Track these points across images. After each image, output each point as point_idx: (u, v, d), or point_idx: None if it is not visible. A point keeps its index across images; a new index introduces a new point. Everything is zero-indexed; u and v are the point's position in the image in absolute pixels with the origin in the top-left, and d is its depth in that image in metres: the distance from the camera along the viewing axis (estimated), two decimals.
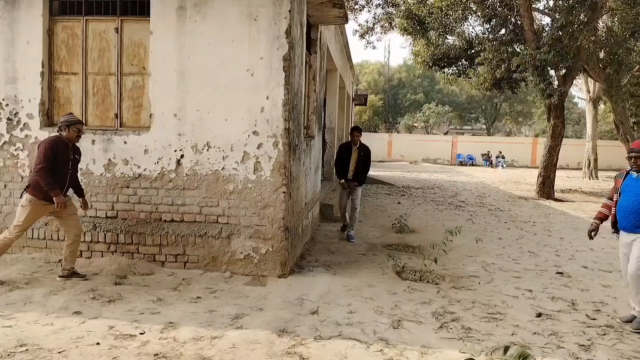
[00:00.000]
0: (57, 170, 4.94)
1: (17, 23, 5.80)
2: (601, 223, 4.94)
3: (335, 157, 8.19)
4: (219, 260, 5.64)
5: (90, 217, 5.77)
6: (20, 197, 5.08)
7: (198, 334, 3.93)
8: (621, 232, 4.62)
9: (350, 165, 7.85)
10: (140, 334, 3.90)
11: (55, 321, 4.08)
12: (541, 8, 16.90)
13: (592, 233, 4.94)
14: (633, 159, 4.50)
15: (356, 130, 8.02)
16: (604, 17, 15.92)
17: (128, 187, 5.73)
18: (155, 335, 3.87)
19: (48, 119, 5.96)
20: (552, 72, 15.35)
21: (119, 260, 5.63)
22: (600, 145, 26.39)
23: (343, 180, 7.90)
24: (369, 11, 17.89)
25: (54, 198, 4.89)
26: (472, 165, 33.29)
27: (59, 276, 5.15)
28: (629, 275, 4.46)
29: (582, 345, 4.04)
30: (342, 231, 8.22)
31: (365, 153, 7.94)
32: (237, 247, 5.60)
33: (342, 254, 6.83)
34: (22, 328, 3.92)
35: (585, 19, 13.34)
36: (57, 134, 5.07)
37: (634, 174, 4.55)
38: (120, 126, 5.89)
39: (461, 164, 33.56)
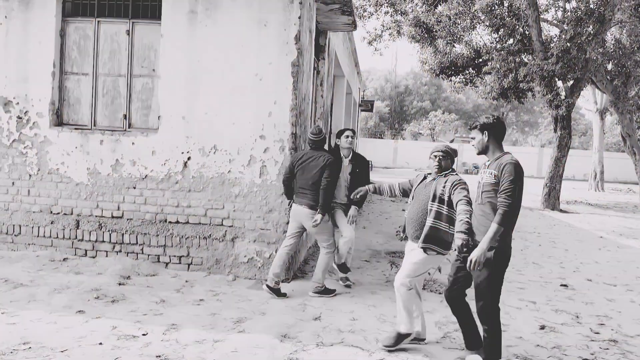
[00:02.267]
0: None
1: (30, 23, 5.86)
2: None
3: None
4: (222, 263, 5.66)
5: (96, 216, 5.81)
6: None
7: (200, 336, 3.94)
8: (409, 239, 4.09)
9: (341, 187, 5.40)
10: (143, 335, 3.91)
11: (58, 320, 4.10)
12: (549, 19, 16.90)
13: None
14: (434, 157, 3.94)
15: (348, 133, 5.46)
16: (613, 29, 15.90)
17: (134, 188, 5.76)
18: (158, 337, 3.88)
19: (57, 118, 6.02)
20: (559, 83, 15.33)
21: (123, 261, 5.65)
22: (606, 157, 26.31)
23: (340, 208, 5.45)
24: (377, 18, 17.87)
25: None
26: (477, 173, 33.24)
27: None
28: (403, 280, 3.88)
29: (586, 359, 4.02)
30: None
31: (361, 166, 5.48)
32: (241, 250, 5.62)
33: None
34: (25, 326, 3.94)
35: (594, 31, 13.33)
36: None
37: (428, 180, 3.99)
38: (129, 127, 5.93)
39: (466, 172, 33.50)
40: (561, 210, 14.83)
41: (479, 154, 3.66)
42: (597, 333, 4.63)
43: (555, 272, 6.98)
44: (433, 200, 3.79)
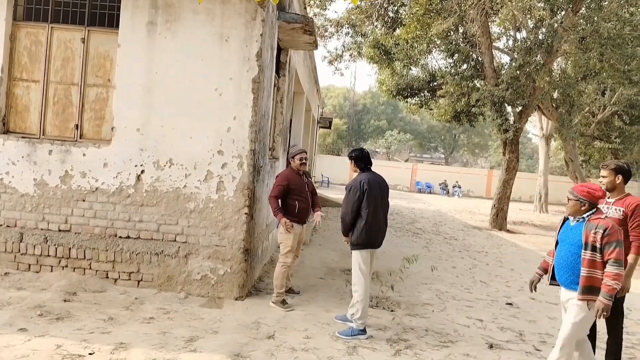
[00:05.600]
0: (300, 197, 5.51)
1: None
2: (545, 273, 4.08)
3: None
4: (174, 280, 5.53)
5: (41, 229, 5.56)
6: (277, 227, 5.51)
7: (150, 356, 3.83)
8: (561, 287, 3.81)
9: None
10: (89, 354, 3.76)
11: None
12: (501, 47, 17.77)
13: (533, 284, 4.08)
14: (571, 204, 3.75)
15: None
16: (559, 59, 16.87)
17: (84, 201, 5.56)
18: (105, 356, 3.74)
19: (3, 126, 5.75)
20: (508, 109, 16.07)
21: (70, 276, 5.42)
22: (551, 180, 27.57)
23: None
24: (338, 39, 18.25)
25: (280, 220, 5.38)
26: (430, 193, 34.08)
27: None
28: (564, 342, 3.63)
29: None
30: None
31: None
32: (194, 267, 5.51)
33: (301, 277, 6.83)
34: None
35: (542, 61, 14.11)
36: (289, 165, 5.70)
37: (571, 221, 3.80)
38: (80, 138, 5.75)
39: (420, 191, 34.30)
40: (508, 231, 15.41)
41: (607, 190, 4.20)
42: (539, 350, 4.83)
43: (502, 291, 7.23)
44: (586, 249, 3.55)
